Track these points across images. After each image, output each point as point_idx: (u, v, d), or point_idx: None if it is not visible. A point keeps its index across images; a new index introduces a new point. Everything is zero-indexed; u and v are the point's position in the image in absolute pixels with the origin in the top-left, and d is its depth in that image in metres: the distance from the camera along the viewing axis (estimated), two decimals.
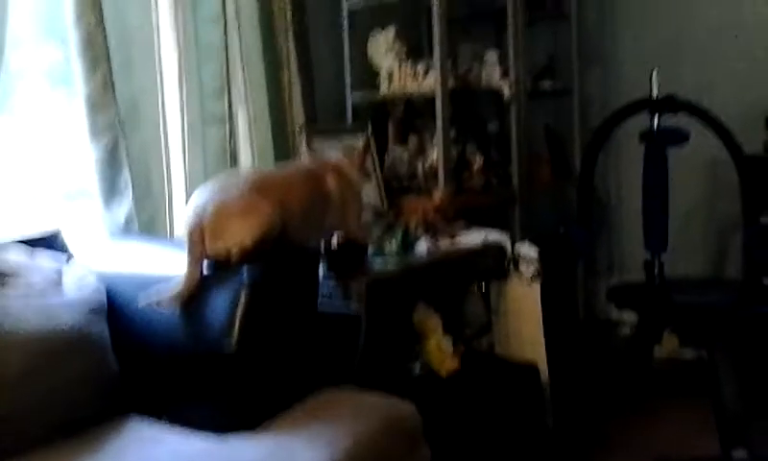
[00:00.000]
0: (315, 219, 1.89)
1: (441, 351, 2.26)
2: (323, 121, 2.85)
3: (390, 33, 3.02)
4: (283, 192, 1.79)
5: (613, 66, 3.57)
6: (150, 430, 1.62)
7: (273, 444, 1.52)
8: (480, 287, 2.51)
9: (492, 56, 3.08)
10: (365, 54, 3.04)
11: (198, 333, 1.66)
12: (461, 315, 2.43)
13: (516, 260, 2.46)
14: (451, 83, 2.87)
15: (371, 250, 2.16)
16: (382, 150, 3.02)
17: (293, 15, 2.67)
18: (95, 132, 2.13)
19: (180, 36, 2.31)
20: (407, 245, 2.23)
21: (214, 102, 2.44)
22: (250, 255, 1.67)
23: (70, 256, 1.98)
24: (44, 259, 1.84)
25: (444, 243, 2.37)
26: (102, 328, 1.74)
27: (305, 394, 1.68)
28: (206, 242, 1.67)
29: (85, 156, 2.15)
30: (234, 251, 1.67)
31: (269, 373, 1.65)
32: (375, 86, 3.02)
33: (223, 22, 2.43)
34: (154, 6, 2.27)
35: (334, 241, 2.05)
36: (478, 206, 2.84)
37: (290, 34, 2.66)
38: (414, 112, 3.12)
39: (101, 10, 2.09)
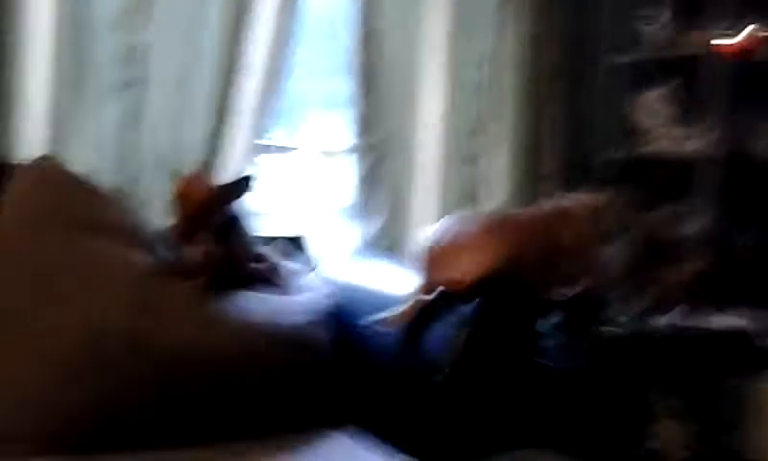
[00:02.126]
0: (549, 266, 1.84)
1: (673, 437, 2.06)
2: (577, 175, 2.78)
3: (658, 90, 2.86)
4: (517, 235, 1.77)
5: None
6: (354, 444, 1.65)
7: None
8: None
9: None
10: (629, 110, 2.90)
11: (413, 358, 1.68)
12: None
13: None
14: (723, 148, 2.65)
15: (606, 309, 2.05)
16: (640, 210, 2.86)
17: (558, 64, 2.65)
18: (359, 152, 2.30)
19: (445, 75, 2.41)
20: (645, 314, 2.07)
21: (468, 140, 2.49)
22: (475, 290, 1.67)
23: (315, 262, 2.14)
24: (292, 261, 2.00)
25: (689, 320, 2.17)
26: (323, 337, 1.80)
27: (505, 448, 1.62)
28: (436, 271, 1.70)
29: (348, 173, 2.33)
30: (461, 283, 1.68)
31: (474, 414, 1.62)
32: (637, 145, 2.87)
33: (486, 65, 2.49)
34: (424, 44, 2.38)
35: (568, 292, 1.97)
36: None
37: (553, 82, 2.64)
38: (680, 176, 2.92)
39: (378, 43, 2.26)
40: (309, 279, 2.01)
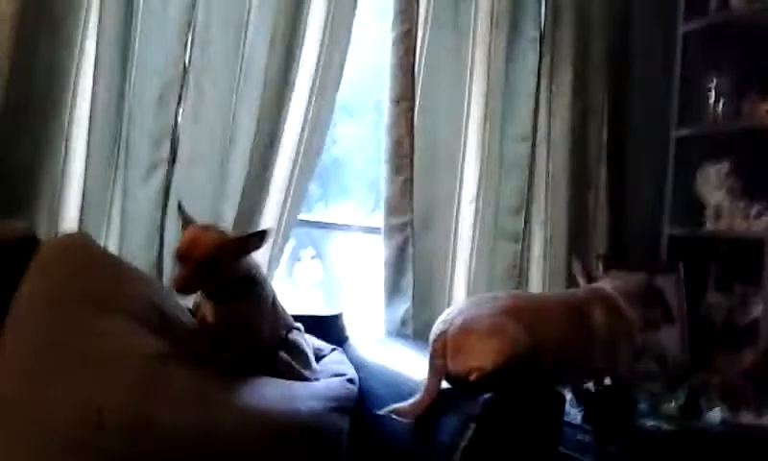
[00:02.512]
0: (574, 353, 1.73)
1: None
2: (633, 253, 2.65)
3: (724, 166, 2.71)
4: (538, 318, 1.67)
5: None
6: None
7: None
8: None
9: None
10: (690, 187, 2.76)
11: (423, 449, 1.60)
12: None
13: None
14: None
15: (643, 404, 1.90)
16: (700, 294, 2.69)
17: (609, 138, 2.56)
18: (389, 232, 2.26)
19: (484, 151, 2.36)
20: (693, 409, 1.91)
21: (511, 218, 2.41)
22: (491, 380, 1.58)
23: (346, 340, 2.11)
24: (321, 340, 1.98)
25: (747, 417, 1.98)
26: (341, 424, 1.73)
27: None
28: (448, 357, 1.63)
29: (378, 253, 2.30)
30: (474, 372, 1.59)
31: None
32: (699, 223, 2.71)
33: (531, 141, 2.43)
34: (464, 120, 2.35)
35: (598, 384, 1.85)
36: None
37: (602, 156, 2.55)
38: (744, 257, 2.73)
39: (412, 119, 2.24)
40: (335, 358, 1.98)
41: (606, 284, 1.88)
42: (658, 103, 2.73)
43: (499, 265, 2.39)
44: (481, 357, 1.59)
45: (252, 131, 2.07)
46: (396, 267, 2.25)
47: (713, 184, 2.74)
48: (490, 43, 2.36)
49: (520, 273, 2.42)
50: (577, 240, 2.48)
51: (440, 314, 2.28)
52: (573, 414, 1.84)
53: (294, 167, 2.15)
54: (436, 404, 1.61)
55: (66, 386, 1.45)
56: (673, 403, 1.92)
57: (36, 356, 1.47)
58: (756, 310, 2.50)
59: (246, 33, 2.07)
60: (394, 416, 1.64)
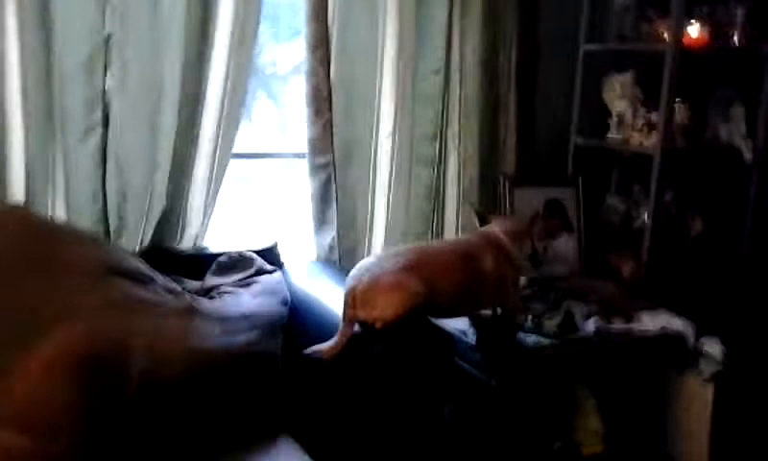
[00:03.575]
0: (467, 295, 2.05)
1: (588, 430, 2.29)
2: (541, 166, 2.90)
3: (627, 76, 2.92)
4: (435, 272, 1.97)
5: None
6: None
7: None
8: None
9: (737, 111, 2.84)
10: (596, 99, 2.98)
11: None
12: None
13: (696, 355, 2.34)
14: (681, 140, 2.75)
15: (528, 325, 2.24)
16: (601, 199, 2.99)
17: (518, 63, 2.74)
18: (313, 170, 2.49)
19: (399, 88, 2.53)
20: (569, 325, 2.25)
21: (426, 145, 2.63)
22: (391, 326, 1.89)
23: (281, 267, 2.38)
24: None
25: (617, 326, 2.34)
26: (274, 348, 2.06)
27: None
28: (358, 308, 1.92)
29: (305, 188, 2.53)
30: (378, 321, 1.90)
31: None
32: (604, 133, 2.96)
33: (443, 73, 2.60)
34: (379, 60, 2.51)
35: (487, 313, 2.18)
36: (684, 281, 2.70)
37: (512, 81, 2.74)
38: (642, 164, 3.01)
39: (329, 65, 2.40)
40: (275, 278, 2.26)
41: (496, 227, 2.16)
42: (567, 22, 2.89)
43: (416, 190, 2.63)
44: (384, 309, 1.89)
45: (177, 90, 2.22)
46: (322, 199, 2.50)
47: (617, 93, 2.97)
48: None
49: (437, 195, 2.68)
50: (487, 161, 2.73)
51: (364, 240, 2.58)
52: (470, 336, 2.18)
53: (220, 118, 2.32)
54: (348, 344, 1.94)
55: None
56: (552, 321, 2.25)
57: None
58: (642, 217, 2.82)
59: None
60: (315, 355, 1.96)
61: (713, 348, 2.31)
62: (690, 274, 2.60)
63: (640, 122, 2.85)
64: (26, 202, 2.12)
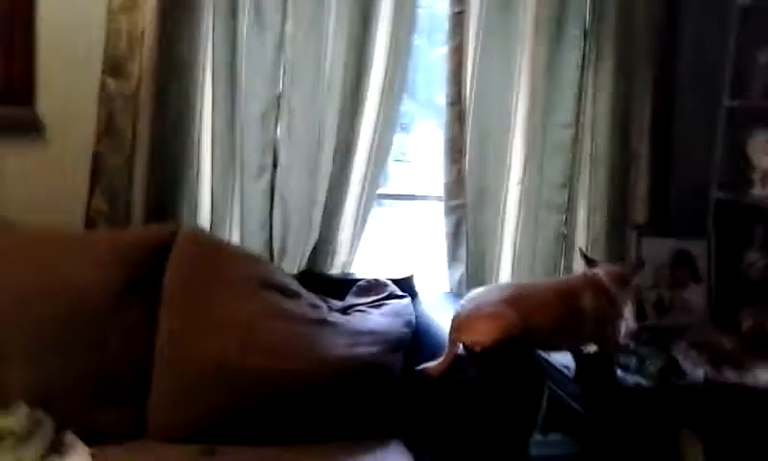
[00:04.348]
0: (566, 331, 2.24)
1: None
2: (677, 219, 2.97)
3: None
4: (533, 306, 2.20)
5: None
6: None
7: None
8: None
9: None
10: (740, 154, 2.99)
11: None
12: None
13: None
14: None
15: (632, 366, 2.35)
16: (740, 254, 2.98)
17: (653, 117, 2.86)
18: (447, 211, 2.80)
19: (530, 137, 2.78)
20: (672, 369, 2.33)
21: (555, 193, 2.84)
22: (489, 352, 2.14)
23: (415, 296, 2.70)
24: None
25: (730, 375, 2.37)
26: (394, 362, 2.34)
27: None
28: (460, 332, 2.20)
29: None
30: (477, 345, 2.15)
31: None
32: (746, 189, 2.96)
33: (575, 128, 2.81)
34: (512, 115, 2.78)
35: (589, 349, 2.34)
36: None
37: (644, 134, 2.86)
38: None
39: (463, 120, 2.72)
40: (403, 303, 2.57)
41: (600, 270, 2.33)
42: (706, 71, 2.94)
43: (543, 234, 2.84)
44: (482, 334, 2.15)
45: (333, 139, 2.65)
46: (454, 238, 2.80)
47: (763, 151, 2.97)
48: (534, 44, 2.73)
49: (564, 240, 2.87)
50: (615, 211, 2.87)
51: (489, 278, 2.84)
52: (570, 369, 2.35)
53: (368, 162, 2.71)
54: (453, 364, 2.21)
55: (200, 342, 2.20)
56: (651, 366, 2.33)
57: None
58: None
59: (324, 62, 2.61)
60: (424, 372, 2.25)
61: None
62: None
63: None
64: (210, 227, 2.63)
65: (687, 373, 2.36)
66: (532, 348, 2.19)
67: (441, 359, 2.22)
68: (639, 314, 2.78)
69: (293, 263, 2.70)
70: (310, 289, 2.59)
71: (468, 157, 2.75)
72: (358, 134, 2.68)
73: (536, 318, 2.18)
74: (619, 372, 2.34)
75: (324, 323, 2.37)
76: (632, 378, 2.32)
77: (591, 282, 2.28)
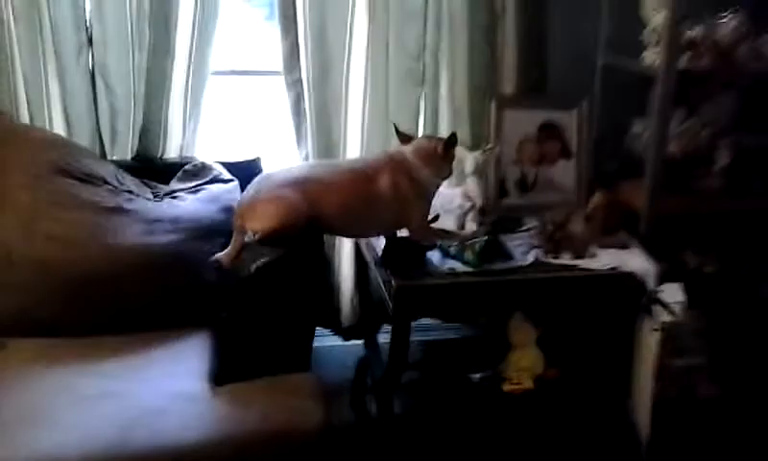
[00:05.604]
0: (358, 215, 2.01)
1: (517, 366, 2.16)
2: (559, 87, 2.65)
3: None
4: (321, 190, 1.98)
5: None
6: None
7: (213, 403, 1.85)
8: None
9: None
10: (630, 12, 2.62)
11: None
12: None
13: (653, 301, 2.07)
14: (707, 60, 2.36)
15: (453, 250, 2.13)
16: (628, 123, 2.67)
17: None
18: (287, 86, 2.55)
19: (373, 3, 2.47)
20: (489, 256, 2.10)
21: (412, 62, 2.54)
22: (271, 237, 1.95)
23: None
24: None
25: (563, 260, 2.14)
26: (201, 250, 2.19)
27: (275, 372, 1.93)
28: (243, 220, 2.00)
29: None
30: (256, 233, 1.96)
31: (248, 345, 1.94)
32: (636, 53, 2.60)
33: None
34: None
35: (401, 234, 2.12)
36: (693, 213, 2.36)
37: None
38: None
39: None
40: (229, 188, 2.39)
41: (409, 147, 2.07)
42: None
43: (398, 108, 2.56)
44: (260, 220, 1.95)
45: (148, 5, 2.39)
46: (296, 116, 2.56)
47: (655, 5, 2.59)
48: None
49: (426, 114, 2.60)
50: (479, 80, 2.57)
51: (339, 154, 2.61)
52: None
53: (193, 32, 2.45)
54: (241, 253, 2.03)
55: None
56: (470, 252, 2.10)
57: None
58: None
59: None
60: (217, 263, 2.07)
61: (672, 295, 2.03)
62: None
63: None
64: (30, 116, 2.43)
65: (514, 256, 2.13)
66: (329, 233, 1.97)
67: (229, 249, 2.05)
68: (501, 193, 2.53)
69: (125, 148, 2.52)
70: (144, 176, 2.43)
71: (304, 26, 2.46)
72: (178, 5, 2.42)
73: (325, 202, 1.97)
74: (436, 256, 2.13)
75: (118, 210, 2.22)
76: (449, 263, 2.10)
77: (392, 162, 2.03)
